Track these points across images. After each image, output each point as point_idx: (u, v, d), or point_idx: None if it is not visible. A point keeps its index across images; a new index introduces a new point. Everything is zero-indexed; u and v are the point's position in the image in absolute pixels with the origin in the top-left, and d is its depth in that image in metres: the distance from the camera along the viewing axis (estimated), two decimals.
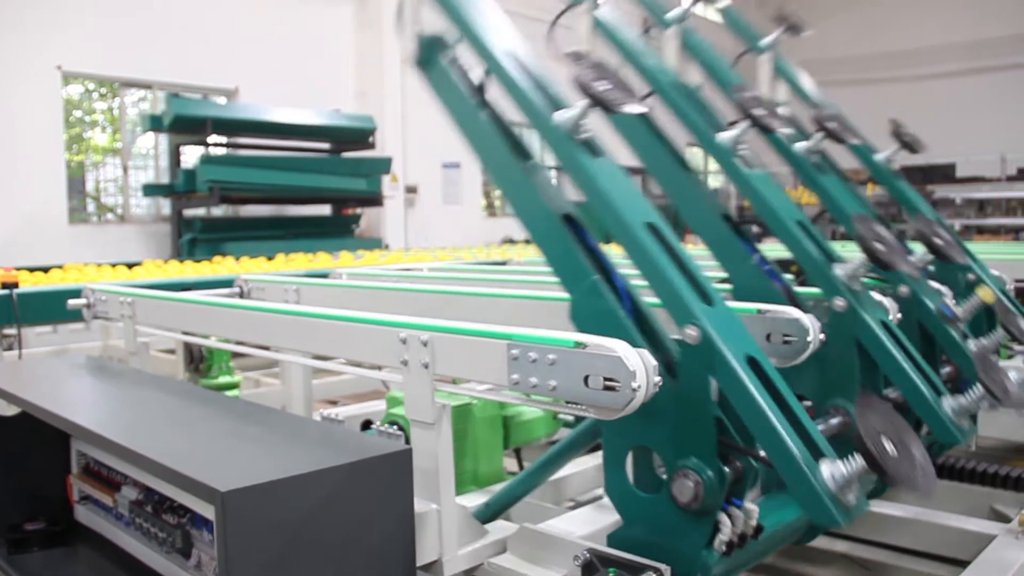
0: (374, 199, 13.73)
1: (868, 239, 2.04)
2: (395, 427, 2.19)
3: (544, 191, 1.82)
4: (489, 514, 1.99)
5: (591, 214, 1.82)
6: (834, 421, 2.05)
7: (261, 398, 3.70)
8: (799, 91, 3.18)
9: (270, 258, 6.09)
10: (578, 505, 2.38)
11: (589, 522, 1.94)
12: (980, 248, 3.55)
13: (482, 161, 1.97)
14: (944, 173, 18.34)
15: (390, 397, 2.49)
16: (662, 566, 1.51)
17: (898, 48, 22.50)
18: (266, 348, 2.53)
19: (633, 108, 1.71)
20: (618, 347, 1.41)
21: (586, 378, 1.44)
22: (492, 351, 1.58)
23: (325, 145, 13.68)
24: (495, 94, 1.98)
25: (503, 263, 5.07)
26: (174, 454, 1.54)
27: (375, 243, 13.49)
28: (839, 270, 2.13)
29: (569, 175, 1.76)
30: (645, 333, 1.62)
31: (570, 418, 2.87)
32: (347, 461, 1.46)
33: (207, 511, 1.64)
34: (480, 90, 2.02)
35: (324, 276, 3.72)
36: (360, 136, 13.61)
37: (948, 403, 2.04)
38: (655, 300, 1.66)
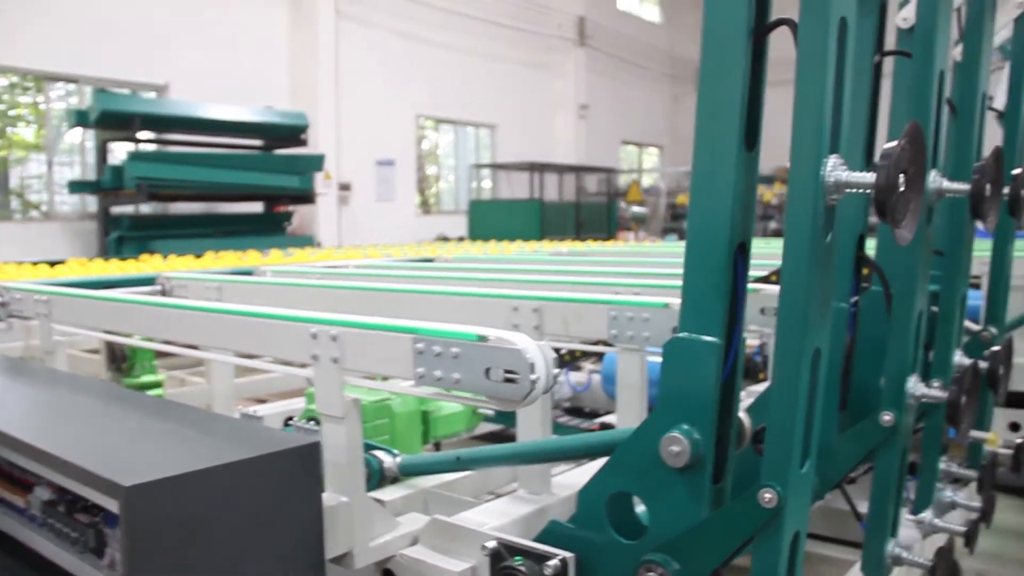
0: (306, 196, 13.66)
1: None
2: (312, 423, 2.21)
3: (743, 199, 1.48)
4: (410, 469, 2.03)
5: None
6: None
7: (186, 397, 3.67)
8: None
9: (199, 256, 6.03)
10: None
11: (502, 514, 1.97)
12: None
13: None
14: None
15: (309, 393, 2.50)
16: (567, 554, 1.56)
17: None
18: (192, 347, 2.53)
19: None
20: (518, 340, 1.45)
21: (487, 370, 1.48)
22: (398, 345, 1.61)
23: (257, 142, 13.57)
24: None
25: (430, 260, 5.10)
26: (81, 451, 1.54)
27: (307, 241, 13.43)
28: None
29: None
30: (721, 418, 1.47)
31: (490, 413, 2.92)
32: (254, 455, 1.47)
33: (115, 508, 1.65)
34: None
35: (248, 274, 3.71)
36: (292, 133, 13.53)
37: None
38: None
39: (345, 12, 16.16)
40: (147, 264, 5.36)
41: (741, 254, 1.44)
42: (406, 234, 16.39)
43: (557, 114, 22.41)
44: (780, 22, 1.42)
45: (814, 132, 1.31)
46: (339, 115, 15.94)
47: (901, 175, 1.29)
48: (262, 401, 4.02)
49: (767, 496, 1.39)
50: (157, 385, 3.54)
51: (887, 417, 1.89)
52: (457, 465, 1.98)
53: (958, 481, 2.39)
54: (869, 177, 1.29)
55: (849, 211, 1.91)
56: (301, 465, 1.54)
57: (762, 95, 1.44)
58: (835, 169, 1.32)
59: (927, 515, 2.19)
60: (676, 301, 2.06)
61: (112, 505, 1.65)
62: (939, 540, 2.22)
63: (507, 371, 1.45)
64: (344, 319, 1.73)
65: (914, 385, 1.91)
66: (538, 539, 1.65)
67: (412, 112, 18.39)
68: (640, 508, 1.58)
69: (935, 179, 1.71)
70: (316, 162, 13.64)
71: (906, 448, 1.97)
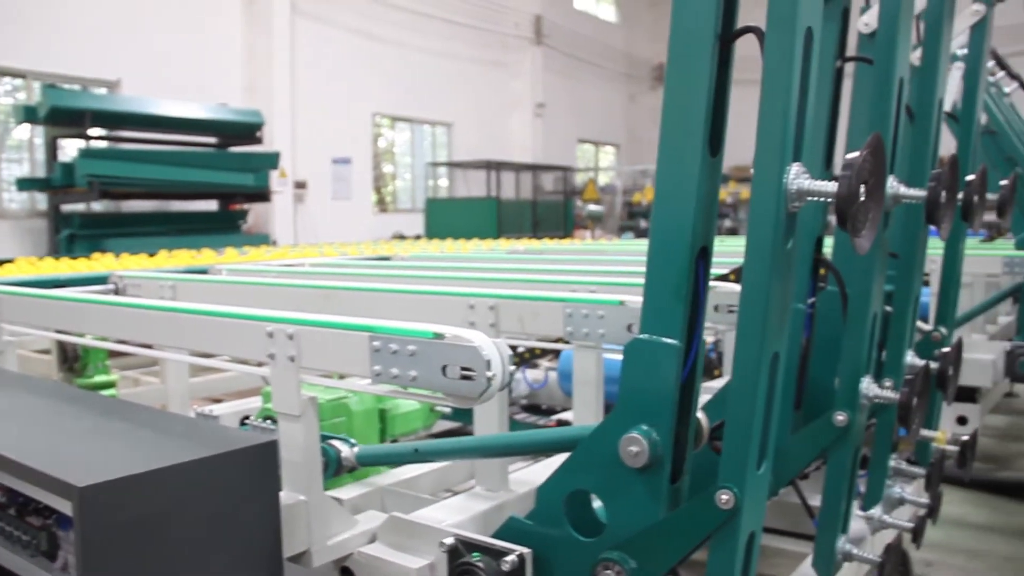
0: (261, 194, 13.56)
1: None
2: (269, 422, 2.20)
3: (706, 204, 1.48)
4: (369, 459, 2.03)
5: None
6: None
7: (140, 397, 3.63)
8: None
9: (152, 255, 5.95)
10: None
11: (460, 510, 1.98)
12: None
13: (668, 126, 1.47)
14: None
15: (265, 392, 2.49)
16: (524, 550, 1.57)
17: None
18: (146, 346, 2.51)
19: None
20: (474, 337, 1.46)
21: (444, 368, 1.49)
22: (355, 343, 1.61)
23: (211, 139, 13.40)
24: None
25: (387, 259, 5.09)
26: (33, 452, 1.52)
27: (263, 239, 13.32)
28: None
29: None
30: (680, 418, 1.48)
31: (447, 410, 2.93)
32: (210, 454, 1.47)
33: (68, 510, 1.63)
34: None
35: (203, 272, 3.67)
36: (248, 131, 13.40)
37: None
38: None
39: (301, 9, 16.05)
40: (99, 263, 5.28)
41: (703, 258, 1.47)
42: (362, 232, 16.32)
43: (514, 113, 22.43)
44: (747, 29, 1.44)
45: (778, 140, 1.33)
46: (295, 112, 15.82)
47: (862, 185, 1.32)
48: (218, 400, 4.00)
49: (724, 497, 1.41)
50: (110, 385, 3.50)
51: (841, 417, 1.92)
52: (416, 457, 1.98)
53: (905, 477, 2.44)
54: (831, 187, 1.32)
55: (807, 213, 1.94)
56: (258, 464, 1.54)
57: (727, 100, 1.46)
58: (797, 177, 1.34)
59: (876, 511, 2.23)
60: (631, 299, 2.09)
61: (65, 507, 1.63)
62: (888, 536, 2.27)
63: (463, 368, 1.46)
64: (300, 317, 1.73)
65: (867, 386, 1.95)
66: (496, 535, 1.66)
67: (368, 110, 18.30)
68: (596, 504, 1.60)
69: (892, 185, 1.75)
70: (271, 160, 13.52)
71: (858, 447, 2.01)
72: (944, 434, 2.58)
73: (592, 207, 21.81)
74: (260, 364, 2.33)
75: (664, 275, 1.46)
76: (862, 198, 1.33)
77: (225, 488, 1.49)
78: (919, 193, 1.75)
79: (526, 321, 2.17)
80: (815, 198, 1.36)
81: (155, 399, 3.57)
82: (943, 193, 1.74)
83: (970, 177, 2.03)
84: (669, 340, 1.45)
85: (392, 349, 1.55)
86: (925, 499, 2.39)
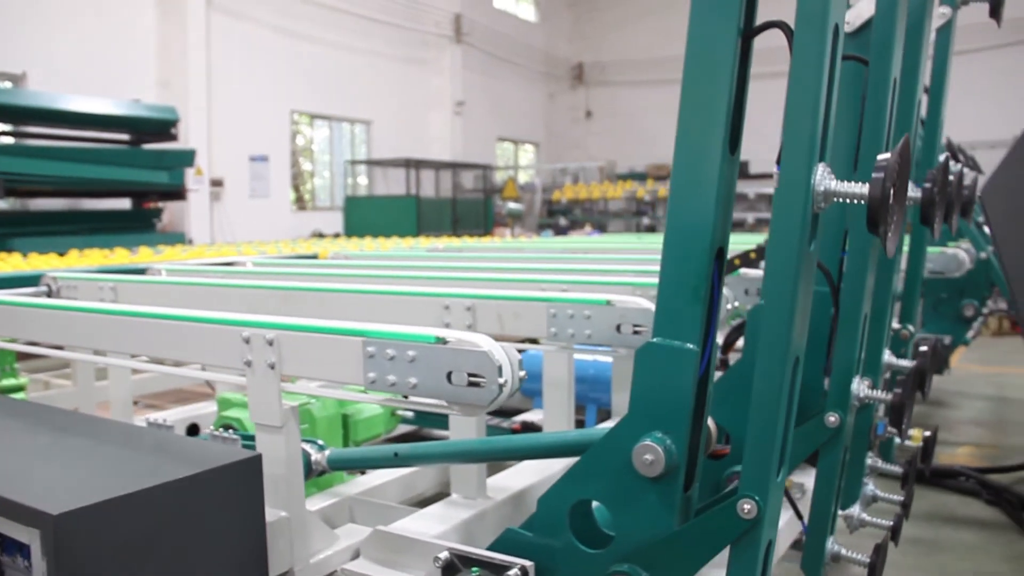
0: (177, 192, 13.14)
1: None
2: (230, 431, 2.08)
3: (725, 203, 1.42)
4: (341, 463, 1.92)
5: None
6: None
7: (52, 401, 3.43)
8: None
9: (62, 254, 5.68)
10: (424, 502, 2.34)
11: (441, 520, 1.90)
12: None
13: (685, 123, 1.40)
14: (740, 171, 19.54)
15: (221, 399, 2.35)
16: (526, 563, 1.49)
17: None
18: (58, 347, 2.35)
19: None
20: (483, 342, 1.38)
21: (449, 374, 1.40)
22: (346, 349, 1.51)
23: (124, 136, 12.93)
24: None
25: (314, 257, 4.93)
26: None
27: (178, 238, 12.93)
28: None
29: None
30: (694, 424, 1.43)
31: (409, 414, 2.82)
32: (193, 472, 1.35)
33: (21, 535, 1.49)
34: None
35: (141, 272, 3.49)
36: (161, 127, 12.95)
37: None
38: None
39: (216, 4, 15.64)
40: (7, 263, 5.00)
41: (717, 259, 1.40)
42: (281, 231, 16.00)
43: (433, 111, 22.27)
44: (771, 24, 1.39)
45: (807, 140, 1.28)
46: (211, 109, 15.42)
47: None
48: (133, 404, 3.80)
49: (746, 507, 1.36)
50: (20, 389, 3.30)
51: (832, 418, 1.89)
52: (395, 461, 1.88)
53: (881, 476, 2.43)
54: (861, 188, 1.27)
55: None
56: (243, 481, 1.43)
57: (745, 97, 1.40)
58: (824, 178, 1.29)
59: (855, 509, 2.21)
60: (618, 298, 2.03)
61: (16, 532, 1.49)
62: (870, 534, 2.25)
63: (471, 375, 1.37)
64: (282, 322, 1.62)
65: (858, 386, 1.92)
66: (493, 548, 1.58)
67: (286, 107, 17.95)
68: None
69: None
70: (187, 157, 13.12)
71: (847, 448, 1.99)
72: (919, 432, 2.58)
73: (512, 205, 21.81)
74: (201, 367, 2.21)
75: (681, 276, 1.39)
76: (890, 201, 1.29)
77: (210, 509, 1.38)
78: (914, 195, 1.73)
79: (506, 322, 2.09)
80: (842, 199, 1.31)
81: (67, 402, 3.38)
82: (936, 193, 1.71)
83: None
84: (685, 344, 1.39)
85: (389, 355, 1.45)
86: (898, 496, 2.39)
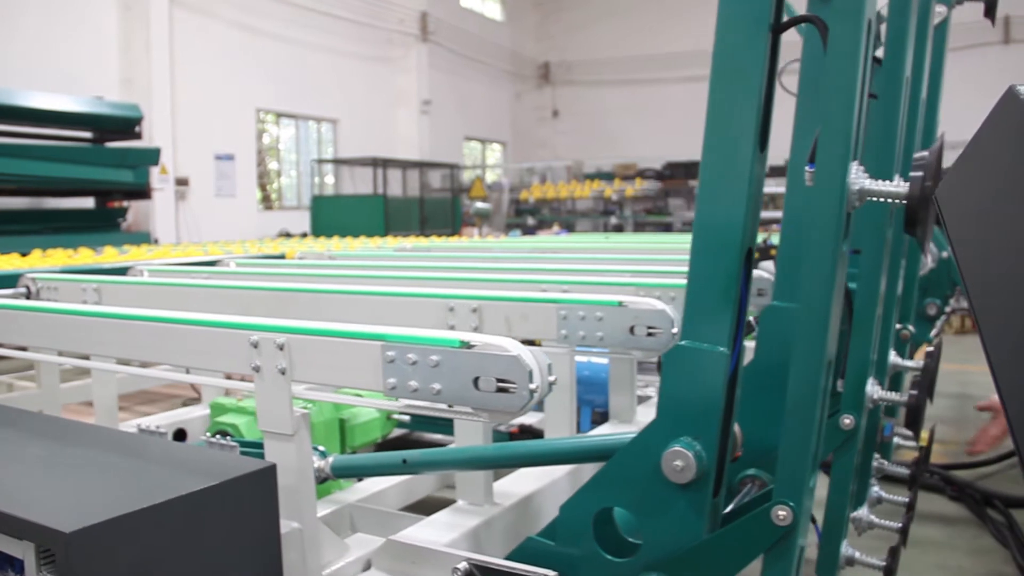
0: (141, 191, 12.93)
1: None
2: (227, 437, 2.01)
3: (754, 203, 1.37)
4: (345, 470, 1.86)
5: None
6: None
7: (16, 403, 3.32)
8: None
9: (24, 254, 5.54)
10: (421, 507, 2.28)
11: (451, 528, 1.85)
12: None
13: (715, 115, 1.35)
14: None
15: (214, 404, 2.28)
16: (550, 572, 1.44)
17: (666, 51, 23.80)
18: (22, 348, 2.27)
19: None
20: (511, 345, 1.33)
21: (476, 380, 1.35)
22: (363, 354, 1.45)
23: (87, 134, 12.69)
24: None
25: (281, 257, 4.85)
26: None
27: (143, 237, 12.73)
28: None
29: None
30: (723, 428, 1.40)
31: (405, 418, 2.77)
32: (209, 484, 1.29)
33: (16, 550, 1.41)
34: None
35: (122, 272, 3.39)
36: (125, 125, 12.73)
37: None
38: None
39: (180, 0, 15.41)
40: None
41: (746, 260, 1.37)
42: (247, 230, 15.81)
43: (400, 109, 22.13)
44: (804, 18, 1.35)
45: (842, 137, 1.24)
46: (175, 107, 15.19)
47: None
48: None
49: (782, 513, 1.33)
50: None
51: (848, 420, 1.86)
52: (404, 468, 1.83)
53: (888, 479, 2.41)
54: (900, 187, 1.24)
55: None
56: (258, 492, 1.37)
57: (773, 93, 1.36)
58: (859, 177, 1.26)
59: (863, 511, 2.19)
60: (630, 299, 1.98)
61: (11, 547, 1.42)
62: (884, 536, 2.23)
63: (500, 380, 1.32)
64: (294, 325, 1.55)
65: (872, 388, 1.89)
66: (512, 557, 1.53)
67: (252, 106, 17.73)
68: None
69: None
70: (151, 156, 12.90)
71: (859, 450, 1.96)
72: (926, 434, 2.57)
73: (479, 204, 21.72)
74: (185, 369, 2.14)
75: (711, 278, 1.36)
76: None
77: (225, 522, 1.32)
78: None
79: (514, 324, 2.04)
80: (879, 198, 1.28)
81: (31, 404, 3.28)
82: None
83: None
84: (716, 347, 1.35)
85: (411, 360, 1.40)
86: (903, 498, 2.37)
